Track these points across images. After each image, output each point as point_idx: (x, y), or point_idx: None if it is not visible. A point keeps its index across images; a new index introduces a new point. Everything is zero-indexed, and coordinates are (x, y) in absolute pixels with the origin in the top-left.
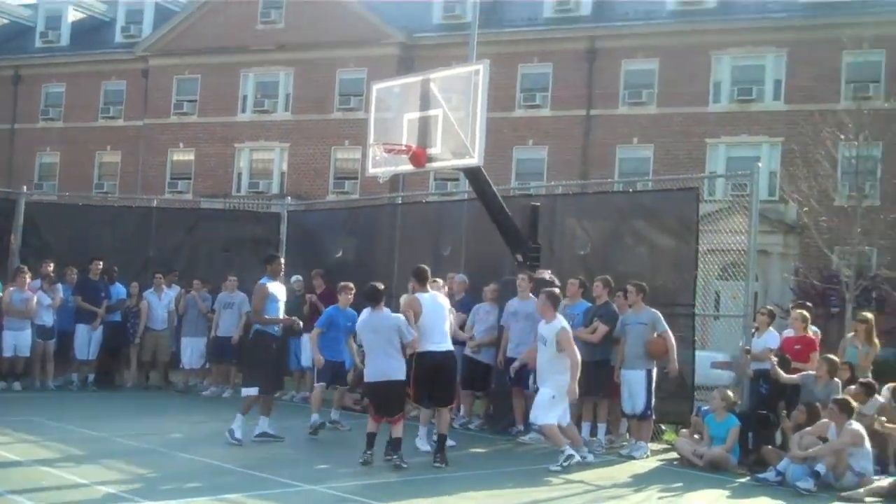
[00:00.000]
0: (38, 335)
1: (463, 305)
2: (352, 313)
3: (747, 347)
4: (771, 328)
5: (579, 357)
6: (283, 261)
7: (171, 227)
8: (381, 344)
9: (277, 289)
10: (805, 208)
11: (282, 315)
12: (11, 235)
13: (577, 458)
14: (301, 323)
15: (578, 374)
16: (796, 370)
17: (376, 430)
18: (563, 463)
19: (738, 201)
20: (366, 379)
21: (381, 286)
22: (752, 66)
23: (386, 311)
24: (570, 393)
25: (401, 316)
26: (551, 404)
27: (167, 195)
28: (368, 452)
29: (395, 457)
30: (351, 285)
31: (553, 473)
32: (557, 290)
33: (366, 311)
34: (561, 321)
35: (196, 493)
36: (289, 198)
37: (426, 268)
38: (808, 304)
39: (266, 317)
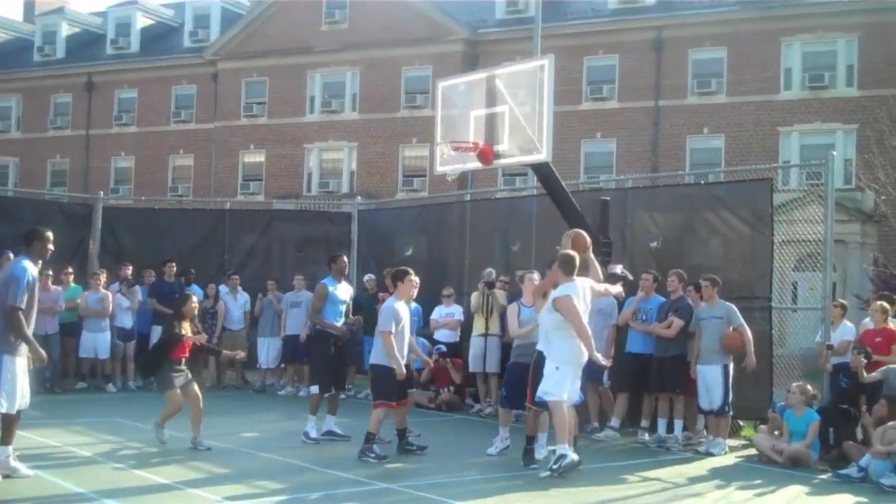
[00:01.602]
0: (118, 337)
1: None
2: (416, 308)
3: (828, 343)
4: (846, 321)
5: (585, 322)
6: (346, 259)
7: (244, 228)
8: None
9: (341, 289)
10: (882, 196)
11: (342, 318)
12: (90, 240)
13: (571, 458)
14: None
15: (593, 344)
16: (878, 363)
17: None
18: (553, 466)
19: (813, 190)
20: None
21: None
22: (823, 52)
23: None
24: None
25: None
26: (558, 377)
27: (240, 197)
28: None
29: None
30: (412, 273)
31: (625, 471)
32: (573, 255)
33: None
34: (567, 288)
35: (276, 493)
36: (359, 197)
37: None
38: (894, 295)
39: (323, 320)
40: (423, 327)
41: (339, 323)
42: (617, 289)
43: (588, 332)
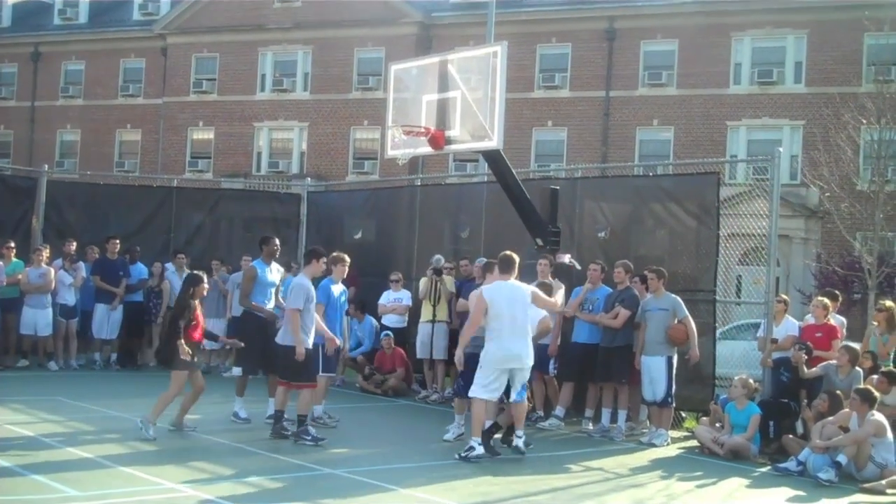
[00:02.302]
0: (61, 314)
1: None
2: (343, 290)
3: (773, 338)
4: (788, 316)
5: (471, 316)
6: (277, 242)
7: (191, 206)
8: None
9: (272, 271)
10: (827, 193)
11: (271, 300)
12: (33, 214)
13: (478, 451)
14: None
15: (465, 340)
16: (818, 358)
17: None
18: (462, 453)
19: (759, 185)
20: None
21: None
22: (773, 48)
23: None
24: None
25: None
26: (479, 375)
27: (188, 174)
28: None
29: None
30: (346, 257)
31: (569, 460)
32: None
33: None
34: (488, 286)
35: (220, 477)
36: (309, 178)
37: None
38: (836, 291)
39: (251, 302)
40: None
41: (269, 306)
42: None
43: (466, 334)
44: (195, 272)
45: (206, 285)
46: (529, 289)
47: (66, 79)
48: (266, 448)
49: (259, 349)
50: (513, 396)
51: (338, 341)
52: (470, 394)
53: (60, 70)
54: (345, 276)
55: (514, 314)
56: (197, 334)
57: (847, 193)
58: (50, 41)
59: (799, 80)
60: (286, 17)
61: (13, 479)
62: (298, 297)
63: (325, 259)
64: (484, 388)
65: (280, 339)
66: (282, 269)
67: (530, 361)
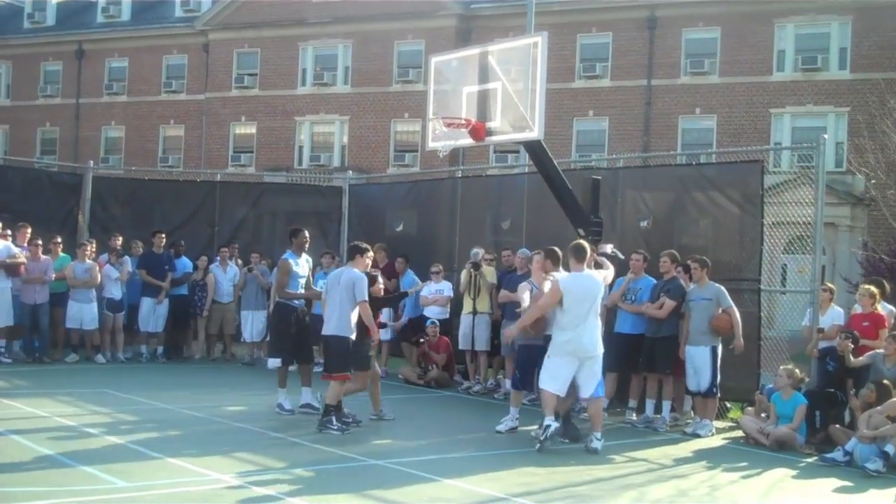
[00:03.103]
0: (108, 308)
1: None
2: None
3: (819, 327)
4: (834, 304)
5: (542, 302)
6: (307, 234)
7: (235, 201)
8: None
9: (301, 263)
10: (872, 180)
11: (302, 289)
12: (79, 210)
13: (553, 426)
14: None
15: (526, 323)
16: (865, 347)
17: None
18: (540, 436)
19: (804, 173)
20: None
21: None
22: (817, 35)
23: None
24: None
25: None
26: (549, 367)
27: (230, 169)
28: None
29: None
30: (369, 248)
31: (612, 451)
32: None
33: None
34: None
35: (265, 469)
36: (350, 171)
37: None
38: (882, 280)
39: (289, 292)
40: None
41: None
42: (607, 273)
43: (529, 316)
44: (371, 271)
45: (380, 285)
46: (603, 279)
47: (110, 76)
48: (310, 439)
49: (293, 340)
50: (587, 392)
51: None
52: (540, 385)
53: (104, 67)
54: (367, 268)
55: (588, 306)
56: (374, 331)
57: (893, 180)
58: (93, 39)
59: (843, 67)
60: (326, 12)
61: (62, 470)
62: (362, 289)
63: (369, 254)
64: (553, 380)
65: (325, 330)
66: (310, 260)
67: (600, 350)
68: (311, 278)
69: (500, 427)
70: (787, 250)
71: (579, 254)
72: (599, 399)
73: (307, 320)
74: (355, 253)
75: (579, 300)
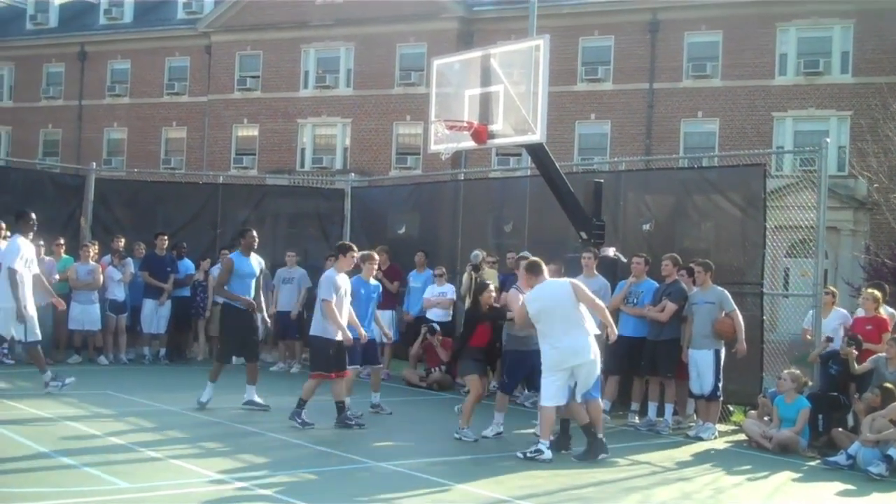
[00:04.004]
0: (111, 309)
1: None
2: (375, 285)
3: (828, 336)
4: (836, 307)
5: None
6: (255, 234)
7: (237, 203)
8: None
9: (249, 262)
10: (875, 184)
11: (251, 291)
12: (82, 212)
13: (545, 455)
14: (254, 304)
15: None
16: (868, 351)
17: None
18: (527, 452)
19: (806, 177)
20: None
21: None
22: (819, 38)
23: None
24: None
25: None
26: (544, 384)
27: (233, 171)
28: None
29: None
30: (375, 255)
31: (615, 454)
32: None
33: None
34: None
35: (267, 468)
36: (352, 174)
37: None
38: (883, 284)
39: (228, 291)
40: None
41: (250, 297)
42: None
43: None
44: (484, 281)
45: (492, 292)
46: (568, 282)
47: (113, 78)
48: (312, 441)
49: (238, 338)
50: (578, 396)
51: (361, 334)
52: (541, 403)
53: (107, 69)
54: (373, 274)
55: (563, 310)
56: (481, 340)
57: None
58: (96, 41)
59: (846, 71)
60: (328, 14)
61: (66, 472)
62: (328, 289)
63: (354, 253)
64: (552, 397)
65: (311, 330)
66: (262, 261)
67: (591, 355)
68: (260, 279)
69: (486, 432)
70: (790, 254)
71: (534, 269)
72: (596, 400)
73: (254, 319)
74: (339, 252)
75: (550, 308)
